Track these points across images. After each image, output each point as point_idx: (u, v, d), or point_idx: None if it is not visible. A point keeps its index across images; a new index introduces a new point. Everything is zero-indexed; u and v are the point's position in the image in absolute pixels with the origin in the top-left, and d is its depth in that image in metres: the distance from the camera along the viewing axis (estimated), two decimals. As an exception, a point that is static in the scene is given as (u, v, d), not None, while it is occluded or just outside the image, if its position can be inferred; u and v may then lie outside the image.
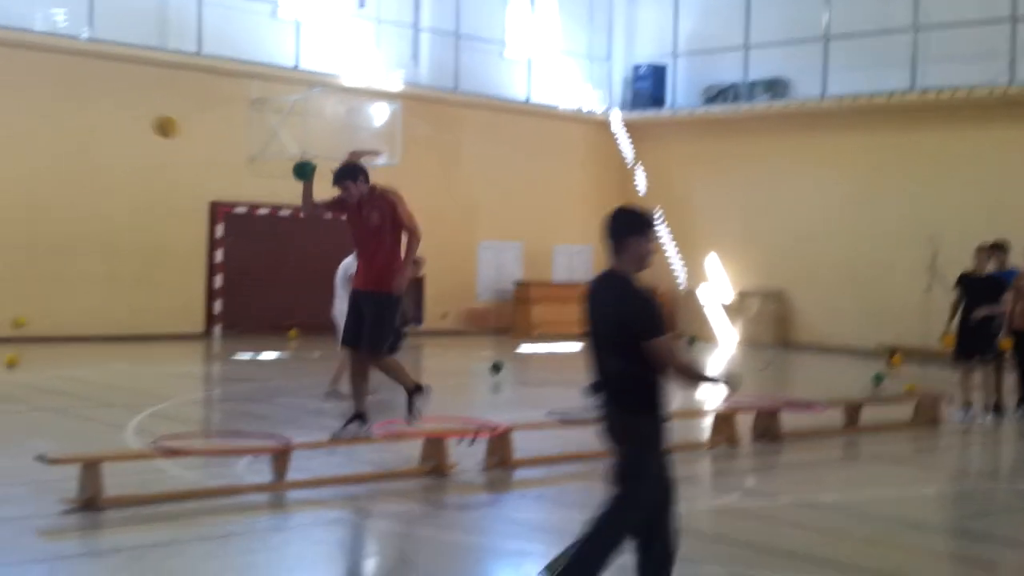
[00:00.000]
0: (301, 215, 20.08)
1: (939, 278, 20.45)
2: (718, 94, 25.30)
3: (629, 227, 5.71)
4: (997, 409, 13.96)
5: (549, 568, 5.74)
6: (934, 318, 20.05)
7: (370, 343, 9.11)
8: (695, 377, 5.78)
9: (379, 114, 22.65)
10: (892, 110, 22.25)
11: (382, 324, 9.16)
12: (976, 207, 20.99)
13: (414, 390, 9.46)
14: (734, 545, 7.60)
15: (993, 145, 21.16)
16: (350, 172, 9.27)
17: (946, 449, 12.11)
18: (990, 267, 13.96)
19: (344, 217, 9.35)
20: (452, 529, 7.85)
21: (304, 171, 9.30)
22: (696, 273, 25.61)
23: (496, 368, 16.98)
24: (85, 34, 19.59)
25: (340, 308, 13.89)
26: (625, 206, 5.88)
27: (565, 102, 25.81)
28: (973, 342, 13.48)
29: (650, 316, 5.62)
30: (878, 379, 15.91)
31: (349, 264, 14.14)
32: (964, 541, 8.24)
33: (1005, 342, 13.75)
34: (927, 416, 13.01)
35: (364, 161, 22.20)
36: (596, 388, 5.80)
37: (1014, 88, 20.40)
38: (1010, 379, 14.27)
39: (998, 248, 14.20)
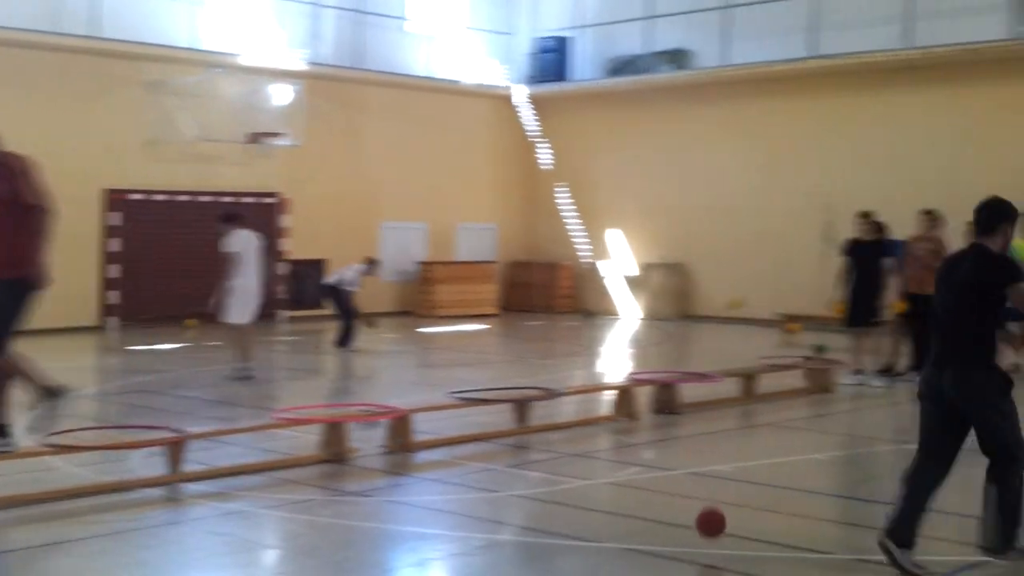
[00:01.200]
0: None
1: (834, 246, 20.91)
2: (622, 66, 25.40)
3: (1004, 215, 6.59)
4: (888, 373, 14.35)
5: (991, 547, 6.44)
6: (830, 285, 20.51)
7: None
8: None
9: (281, 94, 22.41)
10: (793, 78, 22.52)
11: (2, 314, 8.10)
12: (876, 173, 21.38)
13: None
14: (632, 520, 7.71)
15: (891, 110, 21.52)
16: None
17: (838, 415, 12.40)
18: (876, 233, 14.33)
19: None
20: (352, 516, 7.85)
21: None
22: (600, 247, 25.78)
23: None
24: (-28, 19, 19.05)
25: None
26: (997, 196, 6.70)
27: (469, 77, 25.74)
28: (862, 308, 13.81)
29: (1013, 268, 6.44)
30: (820, 349, 16.14)
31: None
32: (853, 504, 8.45)
33: (899, 305, 14.08)
34: (820, 383, 13.31)
35: (265, 142, 22.21)
36: (939, 348, 6.54)
37: (912, 53, 20.74)
38: (904, 343, 14.69)
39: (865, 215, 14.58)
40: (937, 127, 20.93)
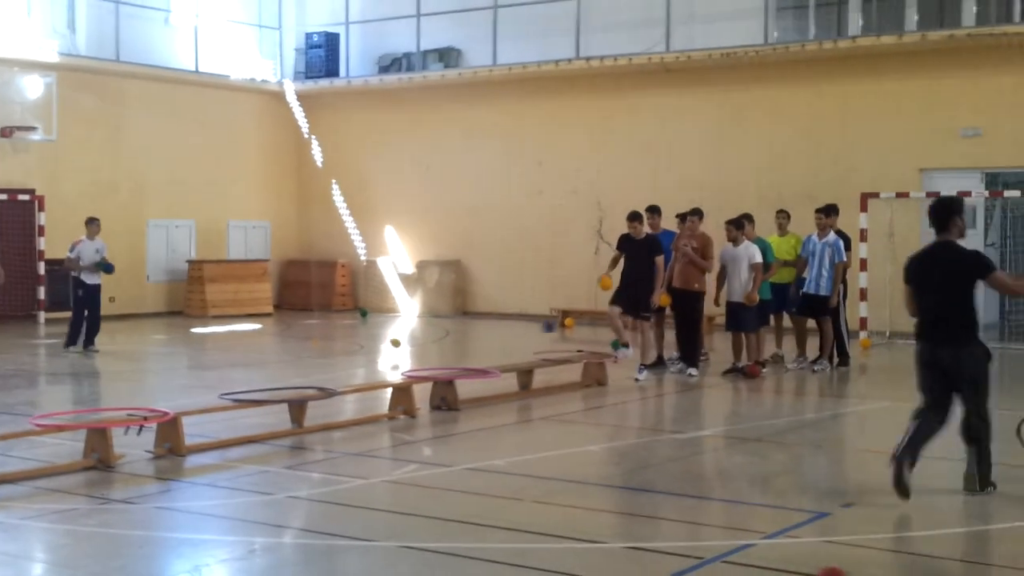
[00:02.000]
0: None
1: (606, 242, 21.48)
2: (392, 63, 25.34)
3: (954, 210, 8.17)
4: (660, 364, 14.80)
5: (973, 484, 8.11)
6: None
7: None
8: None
9: (33, 87, 21.34)
10: (559, 78, 22.97)
11: None
12: (639, 171, 22.05)
13: None
14: (410, 517, 7.67)
15: (654, 110, 22.24)
16: None
17: (612, 407, 12.68)
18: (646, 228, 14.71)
19: None
20: (119, 524, 7.52)
21: None
22: (375, 245, 25.64)
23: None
24: None
25: None
26: (945, 196, 9.02)
27: (236, 72, 25.13)
28: (632, 303, 14.17)
29: (987, 260, 8.15)
30: (614, 346, 16.09)
31: None
32: (625, 494, 8.65)
33: (663, 298, 14.50)
34: (594, 376, 13.61)
35: (17, 136, 21.10)
36: (932, 330, 8.13)
37: (669, 56, 21.48)
38: (671, 335, 15.17)
39: (652, 211, 14.99)
40: (697, 127, 21.77)
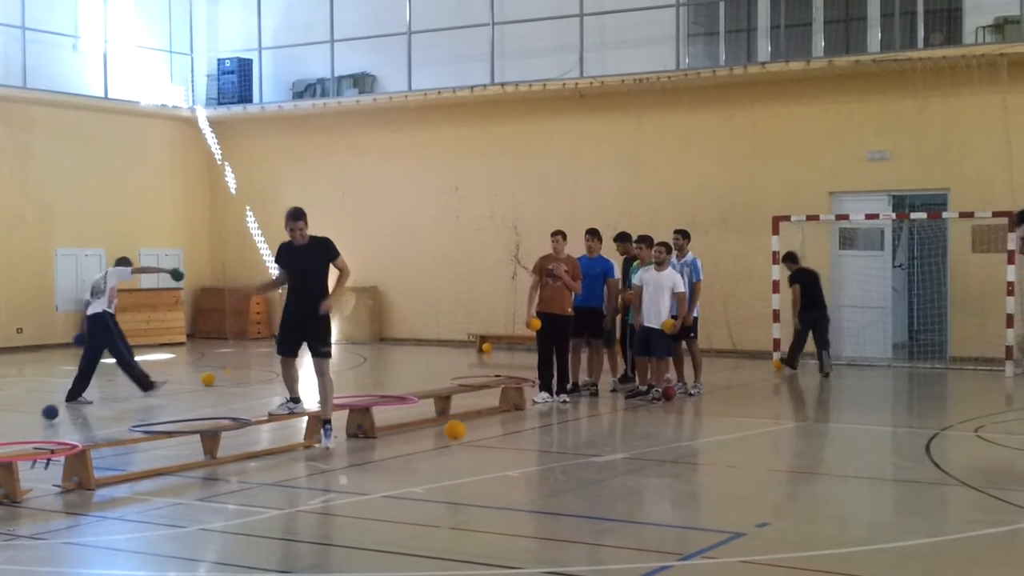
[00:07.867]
0: None
1: (523, 267, 21.53)
2: (306, 89, 25.20)
3: None
4: (575, 389, 14.80)
5: None
6: (520, 306, 21.12)
7: None
8: None
9: (-64, 113, 20.88)
10: (474, 104, 22.99)
11: None
12: (555, 195, 22.14)
13: None
14: (327, 548, 7.58)
15: (568, 135, 22.37)
16: None
17: (529, 431, 12.67)
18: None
19: None
20: (27, 561, 7.32)
21: None
22: (291, 271, 25.36)
23: None
24: None
25: None
26: None
27: (146, 98, 24.79)
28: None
29: None
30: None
31: None
32: (544, 519, 8.63)
33: (534, 322, 14.18)
34: (512, 401, 13.60)
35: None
36: None
37: (583, 82, 21.64)
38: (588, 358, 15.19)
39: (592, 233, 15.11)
40: (611, 152, 21.93)
